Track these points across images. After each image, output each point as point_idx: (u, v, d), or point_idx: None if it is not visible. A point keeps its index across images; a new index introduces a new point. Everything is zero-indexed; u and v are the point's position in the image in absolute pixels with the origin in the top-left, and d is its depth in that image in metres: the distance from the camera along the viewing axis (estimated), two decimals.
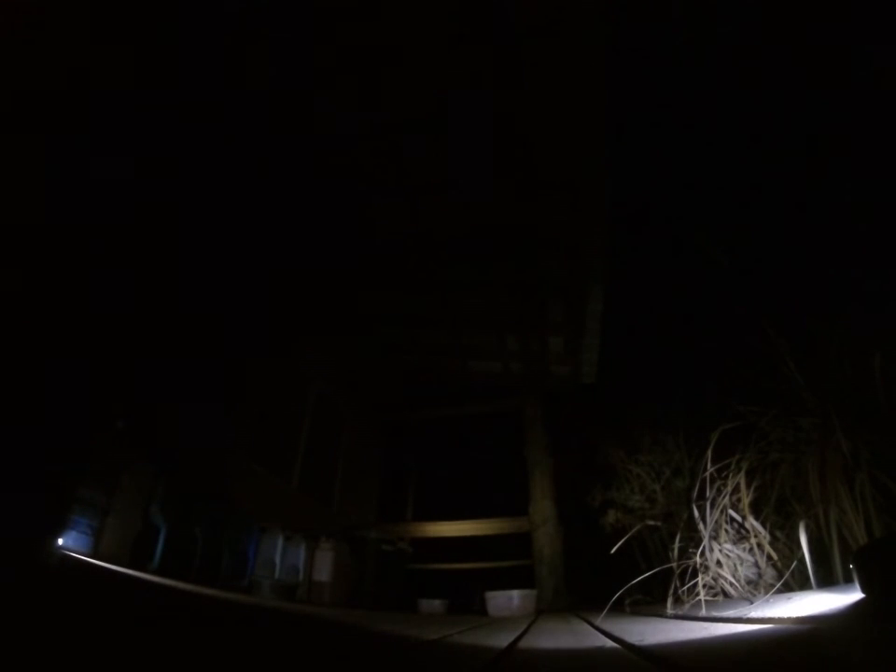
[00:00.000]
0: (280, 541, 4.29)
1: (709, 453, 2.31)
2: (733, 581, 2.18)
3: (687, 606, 2.16)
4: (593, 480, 5.05)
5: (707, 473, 2.31)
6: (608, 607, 2.40)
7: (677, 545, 2.48)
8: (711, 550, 2.25)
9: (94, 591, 1.85)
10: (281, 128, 4.00)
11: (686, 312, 4.00)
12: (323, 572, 4.65)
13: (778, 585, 1.92)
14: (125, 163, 2.85)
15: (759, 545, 2.18)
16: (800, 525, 1.90)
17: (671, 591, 2.32)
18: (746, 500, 2.21)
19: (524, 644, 1.65)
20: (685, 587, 2.25)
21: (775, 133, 3.42)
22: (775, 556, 2.13)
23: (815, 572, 1.80)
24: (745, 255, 2.83)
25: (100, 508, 2.79)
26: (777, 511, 2.24)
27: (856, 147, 2.72)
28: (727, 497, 2.25)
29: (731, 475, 2.24)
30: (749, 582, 2.17)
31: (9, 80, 2.23)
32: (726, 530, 2.30)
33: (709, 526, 2.26)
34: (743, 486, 2.21)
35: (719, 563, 2.24)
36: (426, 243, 5.19)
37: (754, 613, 1.56)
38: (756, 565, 2.19)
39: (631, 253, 4.99)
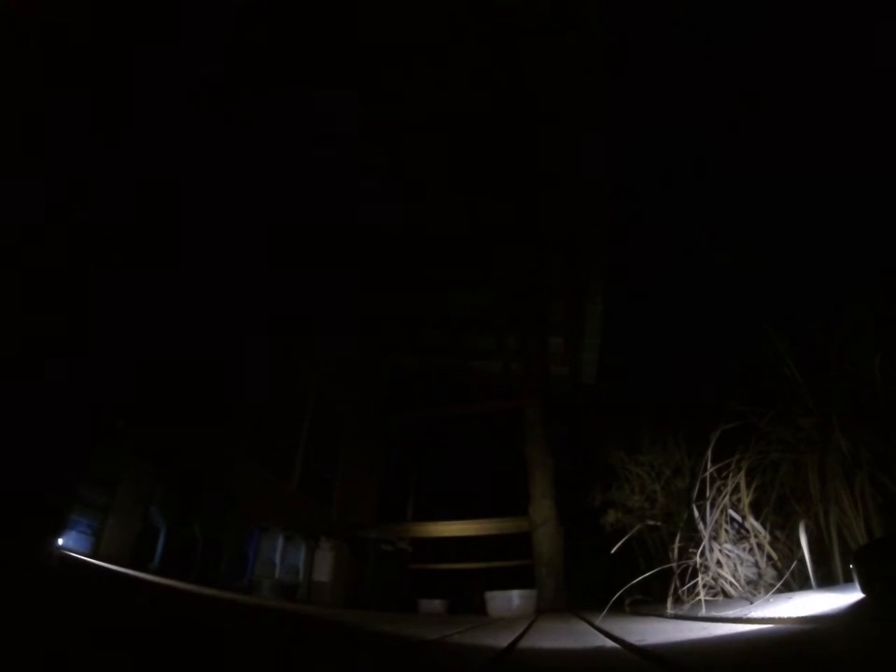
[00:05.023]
0: (280, 541, 4.29)
1: (709, 453, 2.31)
2: (733, 581, 2.18)
3: (687, 606, 2.16)
4: (593, 480, 5.05)
5: (707, 473, 2.31)
6: (608, 607, 2.40)
7: (677, 545, 2.48)
8: (711, 550, 2.24)
9: (94, 591, 1.85)
10: (280, 127, 4.00)
11: (686, 312, 3.99)
12: (323, 572, 4.65)
13: (778, 585, 1.92)
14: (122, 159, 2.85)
15: (759, 545, 2.18)
16: (800, 525, 1.90)
17: (671, 591, 2.32)
18: (746, 500, 2.21)
19: (524, 644, 1.65)
20: (685, 587, 2.25)
21: (776, 132, 3.42)
22: (775, 556, 2.13)
23: (815, 572, 1.80)
24: (745, 254, 2.83)
25: (100, 508, 2.79)
26: (777, 511, 2.24)
27: (857, 145, 2.72)
28: (727, 497, 2.25)
29: (731, 475, 2.24)
30: (749, 582, 2.17)
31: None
32: (726, 530, 2.30)
33: (709, 526, 2.26)
34: (743, 486, 2.21)
35: (719, 563, 2.24)
36: (425, 243, 5.19)
37: (754, 613, 1.56)
38: (756, 565, 2.19)
39: (631, 252, 4.99)
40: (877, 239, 2.20)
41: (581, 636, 1.85)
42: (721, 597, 2.21)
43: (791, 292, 2.54)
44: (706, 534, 2.27)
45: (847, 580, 1.67)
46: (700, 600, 2.03)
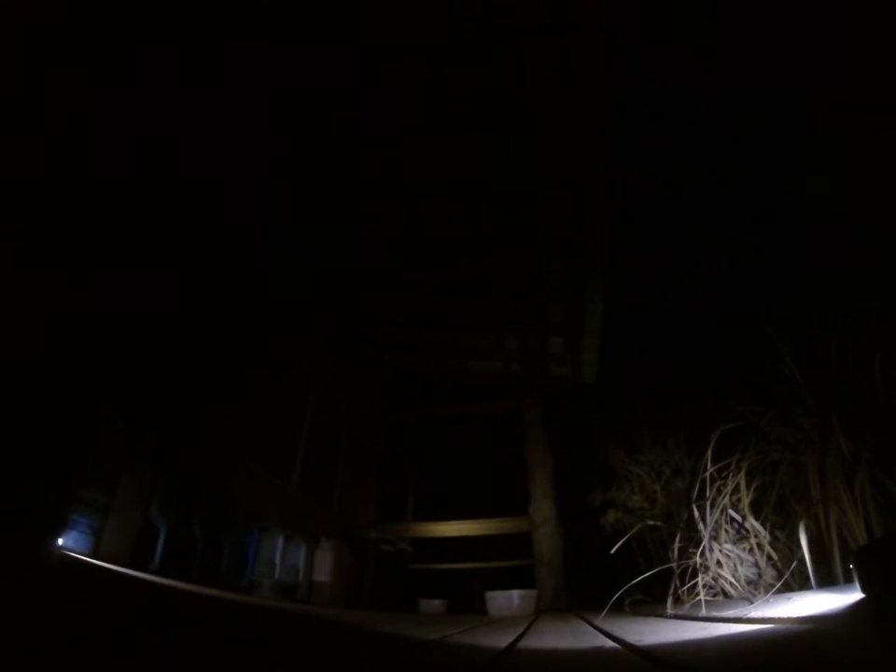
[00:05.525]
0: (280, 541, 4.29)
1: (709, 453, 2.31)
2: (733, 581, 2.18)
3: (687, 606, 2.16)
4: (593, 480, 5.05)
5: (707, 473, 2.31)
6: (608, 607, 2.40)
7: (677, 545, 2.48)
8: (711, 550, 2.24)
9: (94, 591, 1.84)
10: (280, 127, 4.00)
11: (686, 311, 4.00)
12: (323, 572, 4.65)
13: (778, 585, 1.92)
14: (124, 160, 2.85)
15: (759, 545, 2.18)
16: (800, 525, 1.90)
17: (671, 591, 2.32)
18: (746, 500, 2.21)
19: (524, 644, 1.65)
20: (685, 587, 2.25)
21: (776, 131, 3.42)
22: (775, 556, 2.13)
23: (815, 572, 1.80)
24: (745, 254, 2.83)
25: (100, 508, 2.79)
26: (777, 511, 2.24)
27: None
28: (727, 497, 2.25)
29: (731, 475, 2.24)
30: (749, 582, 2.17)
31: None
32: (726, 530, 2.30)
33: (709, 526, 2.26)
34: (743, 486, 2.21)
35: (719, 563, 2.24)
36: (425, 243, 5.19)
37: (754, 613, 1.56)
38: (756, 565, 2.19)
39: (631, 253, 4.99)
40: (878, 238, 2.20)
41: (581, 635, 1.85)
42: (720, 597, 2.21)
43: (791, 292, 2.54)
44: (706, 534, 2.27)
45: (847, 580, 1.67)
46: (700, 600, 2.03)
